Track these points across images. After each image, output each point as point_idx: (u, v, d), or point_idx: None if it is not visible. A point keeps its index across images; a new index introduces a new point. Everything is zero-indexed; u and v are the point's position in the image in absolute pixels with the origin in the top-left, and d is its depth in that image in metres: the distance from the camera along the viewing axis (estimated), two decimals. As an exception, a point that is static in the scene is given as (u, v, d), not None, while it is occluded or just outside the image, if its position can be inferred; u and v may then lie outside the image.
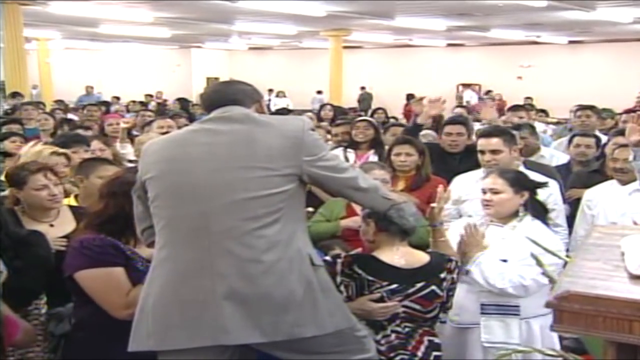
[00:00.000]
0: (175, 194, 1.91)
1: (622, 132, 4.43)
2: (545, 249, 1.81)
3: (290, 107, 12.63)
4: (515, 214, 2.70)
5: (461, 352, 2.68)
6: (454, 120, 4.61)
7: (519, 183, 2.70)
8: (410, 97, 17.79)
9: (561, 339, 3.15)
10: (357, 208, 3.06)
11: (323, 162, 1.96)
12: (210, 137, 1.93)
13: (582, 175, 4.17)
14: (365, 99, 19.32)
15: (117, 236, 2.18)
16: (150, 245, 2.06)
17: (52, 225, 2.66)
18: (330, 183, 2.03)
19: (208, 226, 1.85)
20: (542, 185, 2.82)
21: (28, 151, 3.81)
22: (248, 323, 1.82)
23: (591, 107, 5.45)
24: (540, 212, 2.75)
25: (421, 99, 4.58)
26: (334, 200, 3.30)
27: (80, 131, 5.24)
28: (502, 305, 2.58)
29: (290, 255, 1.88)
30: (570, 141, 4.68)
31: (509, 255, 2.58)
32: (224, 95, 2.03)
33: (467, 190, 3.47)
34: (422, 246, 2.50)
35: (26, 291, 2.31)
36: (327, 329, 1.90)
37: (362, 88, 19.83)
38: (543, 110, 8.21)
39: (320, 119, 7.29)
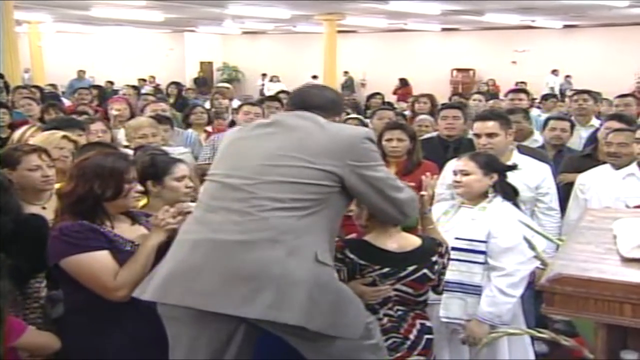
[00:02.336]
0: (226, 161, 2.06)
1: (616, 117, 4.44)
2: (536, 231, 1.81)
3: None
4: (484, 196, 2.82)
5: None
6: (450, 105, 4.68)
7: (488, 165, 2.82)
8: (402, 81, 17.77)
9: (552, 321, 3.21)
10: None
11: (368, 172, 1.98)
12: (273, 127, 2.06)
13: (573, 159, 4.17)
14: (349, 85, 19.16)
15: (90, 218, 2.15)
16: None
17: (44, 208, 2.63)
18: (370, 196, 2.03)
19: (236, 198, 1.92)
20: (512, 168, 2.92)
21: (22, 135, 3.76)
22: (236, 295, 1.81)
23: (588, 92, 5.45)
24: (510, 194, 2.85)
25: None
26: None
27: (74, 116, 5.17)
28: (465, 284, 2.69)
29: (297, 244, 1.86)
30: (545, 124, 4.65)
31: (472, 235, 2.70)
32: (314, 99, 2.14)
33: (461, 174, 3.49)
34: (410, 228, 2.51)
35: (19, 270, 2.29)
36: (310, 324, 1.82)
37: (346, 73, 19.44)
38: (554, 96, 8.15)
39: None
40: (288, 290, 1.81)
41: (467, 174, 2.81)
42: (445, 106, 4.68)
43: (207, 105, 7.17)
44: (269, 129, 2.06)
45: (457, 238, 2.71)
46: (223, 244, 1.87)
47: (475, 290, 2.69)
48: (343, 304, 1.91)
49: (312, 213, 1.90)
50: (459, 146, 4.04)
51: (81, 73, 16.26)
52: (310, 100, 2.12)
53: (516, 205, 2.87)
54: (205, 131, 5.56)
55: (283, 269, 1.83)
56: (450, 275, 2.64)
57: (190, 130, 5.36)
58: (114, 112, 5.19)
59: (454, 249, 2.66)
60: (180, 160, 2.72)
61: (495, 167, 2.85)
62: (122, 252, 2.15)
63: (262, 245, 1.84)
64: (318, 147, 1.93)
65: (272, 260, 1.83)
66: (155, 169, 2.60)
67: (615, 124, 4.03)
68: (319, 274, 1.87)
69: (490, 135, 3.31)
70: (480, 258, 2.69)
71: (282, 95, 7.43)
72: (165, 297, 1.91)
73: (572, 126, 4.59)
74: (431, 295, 2.65)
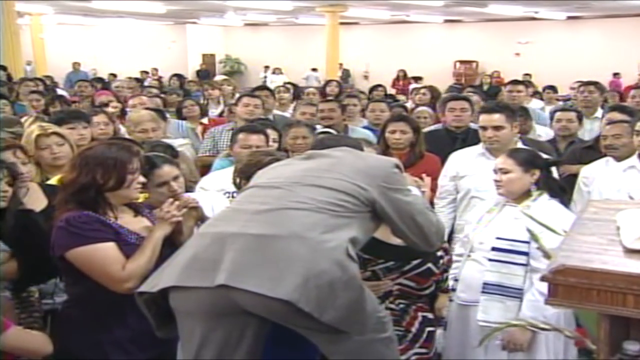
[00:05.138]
0: (266, 175, 2.16)
1: (617, 108, 4.42)
2: (541, 223, 1.80)
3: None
4: (528, 194, 2.67)
5: (463, 329, 2.69)
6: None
7: (528, 162, 2.69)
8: (402, 73, 17.62)
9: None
10: None
11: (398, 195, 2.05)
12: (310, 158, 2.20)
13: (576, 151, 4.16)
14: (345, 77, 18.85)
15: (92, 208, 2.13)
16: None
17: (21, 204, 2.58)
18: (398, 221, 2.07)
19: (274, 196, 1.98)
20: (554, 163, 2.81)
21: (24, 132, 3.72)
22: (264, 275, 1.79)
23: (594, 83, 5.44)
24: (556, 191, 2.72)
25: None
26: None
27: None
28: (504, 287, 2.56)
29: (328, 237, 1.87)
30: (551, 117, 4.65)
31: (514, 235, 2.54)
32: (340, 142, 2.33)
33: (465, 166, 3.48)
34: None
35: (34, 271, 2.28)
36: (324, 316, 1.80)
37: (340, 65, 18.42)
38: (551, 87, 8.03)
39: (324, 95, 7.15)
40: (312, 279, 1.80)
41: (506, 172, 2.67)
42: (452, 98, 4.61)
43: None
44: (307, 159, 2.20)
45: (498, 238, 2.59)
46: (250, 237, 1.86)
47: (515, 294, 2.54)
48: (362, 302, 1.91)
49: (343, 217, 1.95)
50: (467, 137, 4.03)
51: (76, 65, 16.15)
52: (337, 143, 2.31)
53: (564, 202, 2.71)
54: (201, 123, 5.55)
55: (311, 258, 1.83)
56: (489, 276, 2.57)
57: (182, 121, 5.36)
58: (110, 109, 5.13)
59: (494, 249, 2.57)
60: (168, 161, 2.59)
61: (536, 163, 2.70)
62: (128, 244, 2.13)
63: (291, 238, 1.85)
64: (352, 169, 2.05)
65: (302, 249, 1.83)
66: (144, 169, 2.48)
67: (617, 115, 4.01)
68: (347, 267, 1.86)
69: (496, 127, 3.29)
70: (522, 259, 2.54)
71: (287, 86, 7.41)
72: (188, 280, 1.87)
73: (580, 117, 4.56)
74: (470, 297, 2.61)
